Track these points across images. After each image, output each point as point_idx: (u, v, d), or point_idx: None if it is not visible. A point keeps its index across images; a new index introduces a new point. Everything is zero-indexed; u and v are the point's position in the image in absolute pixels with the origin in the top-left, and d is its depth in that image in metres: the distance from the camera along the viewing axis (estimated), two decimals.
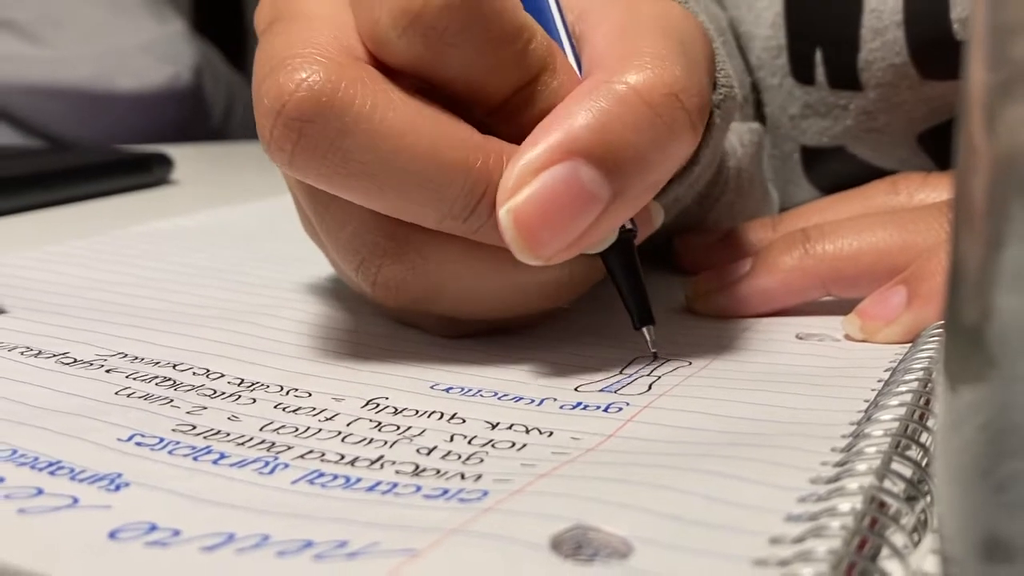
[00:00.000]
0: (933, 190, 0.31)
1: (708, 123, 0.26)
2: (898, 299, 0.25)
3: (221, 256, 0.36)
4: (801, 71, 0.37)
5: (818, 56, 0.36)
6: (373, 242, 0.23)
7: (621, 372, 0.24)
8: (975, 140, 0.12)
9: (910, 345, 0.23)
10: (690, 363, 0.24)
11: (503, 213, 0.21)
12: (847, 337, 0.26)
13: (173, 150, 0.57)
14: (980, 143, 0.12)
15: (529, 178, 0.21)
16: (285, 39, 0.22)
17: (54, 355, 0.24)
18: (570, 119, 0.21)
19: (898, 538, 0.15)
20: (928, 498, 0.16)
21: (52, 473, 0.17)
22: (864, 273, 0.27)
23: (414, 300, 0.24)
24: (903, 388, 0.20)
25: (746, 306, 0.28)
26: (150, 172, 0.52)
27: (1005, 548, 0.12)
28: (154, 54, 0.84)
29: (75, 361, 0.23)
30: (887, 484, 0.16)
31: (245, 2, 1.22)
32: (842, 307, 0.27)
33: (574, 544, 0.15)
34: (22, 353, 0.24)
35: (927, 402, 0.19)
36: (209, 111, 0.91)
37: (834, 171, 0.38)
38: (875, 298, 0.26)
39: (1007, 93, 0.12)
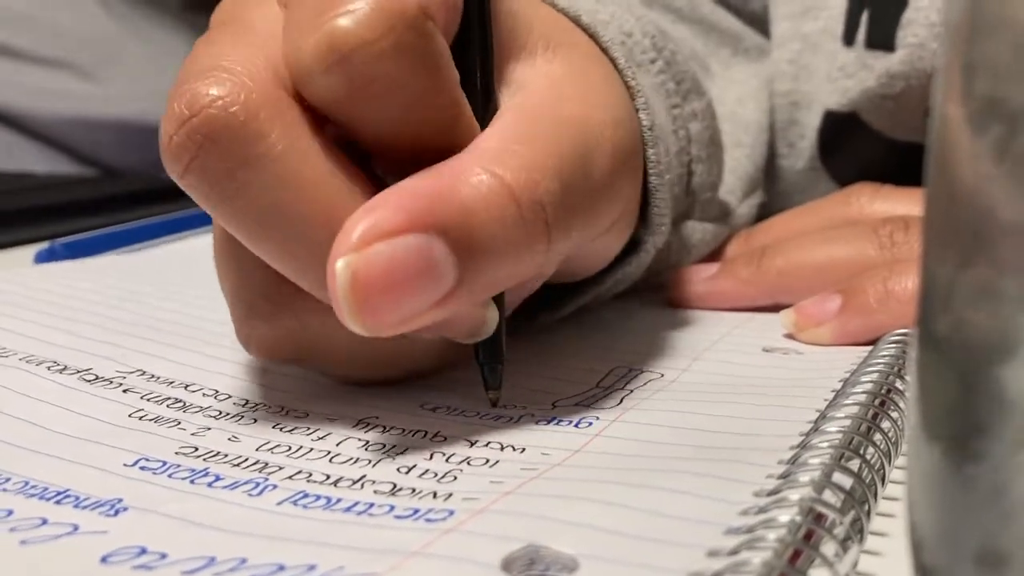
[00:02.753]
0: (884, 201, 0.32)
1: (634, 242, 0.26)
2: (832, 305, 0.27)
3: None
4: (847, 31, 0.37)
5: (864, 16, 0.36)
6: (250, 301, 0.22)
7: (597, 385, 0.24)
8: (943, 167, 0.13)
9: (864, 357, 0.24)
10: (662, 375, 0.24)
11: (340, 265, 0.18)
12: (784, 331, 0.28)
13: None
14: (947, 170, 0.12)
15: (381, 237, 0.18)
16: (218, 48, 0.20)
17: (78, 371, 0.24)
18: (439, 191, 0.19)
19: (829, 547, 0.15)
20: (865, 507, 0.17)
21: (58, 502, 0.17)
22: (805, 286, 0.29)
23: (290, 360, 0.23)
24: (850, 400, 0.20)
25: (708, 301, 0.31)
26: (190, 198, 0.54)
27: (998, 555, 0.12)
28: None
29: (96, 379, 0.24)
30: (826, 495, 0.17)
31: None
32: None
33: (527, 561, 0.15)
34: (48, 368, 0.25)
35: (875, 416, 0.20)
36: None
37: (851, 150, 0.38)
38: (815, 300, 0.27)
39: (972, 126, 0.12)
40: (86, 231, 0.41)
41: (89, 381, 0.24)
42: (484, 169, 0.19)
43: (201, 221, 0.47)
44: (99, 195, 0.50)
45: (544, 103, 0.22)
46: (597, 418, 0.22)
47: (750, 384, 0.23)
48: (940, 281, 0.12)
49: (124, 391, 0.23)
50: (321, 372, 0.24)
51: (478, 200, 0.19)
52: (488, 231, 0.19)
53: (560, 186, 0.20)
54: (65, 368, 0.25)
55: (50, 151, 0.85)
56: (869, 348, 0.25)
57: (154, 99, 0.87)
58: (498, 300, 0.21)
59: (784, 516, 0.16)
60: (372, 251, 0.18)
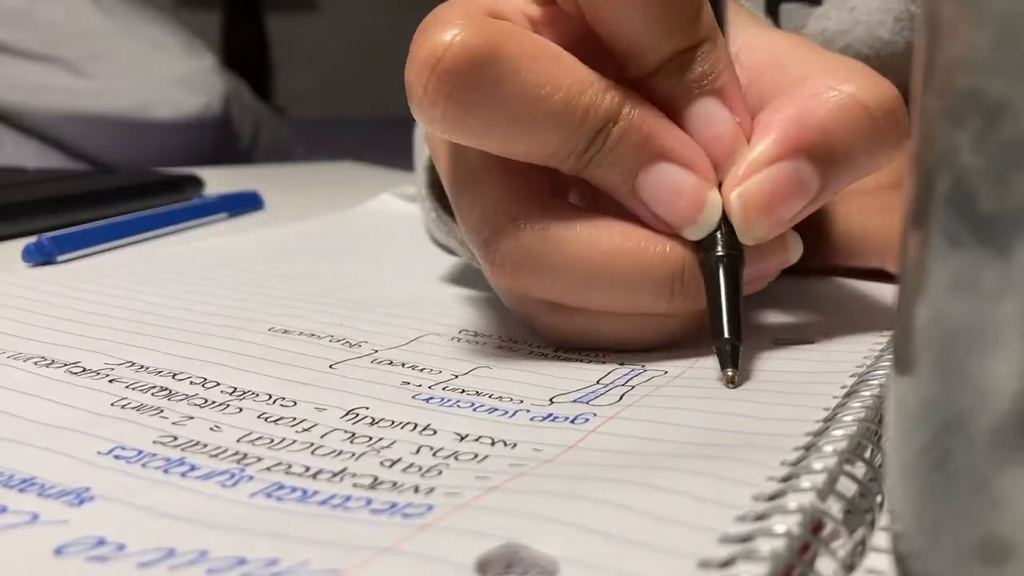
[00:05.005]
0: None
1: None
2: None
3: (245, 271, 0.37)
4: None
5: None
6: (495, 222, 0.23)
7: (598, 383, 0.23)
8: (922, 158, 0.13)
9: (877, 352, 0.22)
10: (666, 372, 0.23)
11: (734, 197, 0.23)
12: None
13: (204, 172, 0.59)
14: (926, 161, 0.12)
15: (759, 168, 0.23)
16: (442, 7, 0.22)
17: (64, 364, 0.24)
18: (797, 119, 0.23)
19: (827, 562, 0.14)
20: (868, 516, 0.16)
21: (22, 490, 0.16)
22: None
23: (531, 281, 0.24)
24: (859, 402, 0.19)
25: None
26: (182, 192, 0.54)
27: (1001, 547, 0.12)
28: (188, 86, 0.90)
29: (83, 370, 0.23)
30: (828, 504, 0.15)
31: (269, 39, 1.27)
32: (822, 312, 0.26)
33: (504, 564, 0.14)
34: (35, 364, 0.24)
35: (883, 418, 0.19)
36: (237, 137, 0.97)
37: None
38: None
39: (950, 118, 0.12)
40: (76, 225, 0.41)
41: (76, 373, 0.23)
42: (822, 89, 0.23)
43: (194, 215, 0.47)
44: (89, 190, 0.50)
45: (780, 36, 0.25)
46: (594, 414, 0.21)
47: (758, 380, 0.22)
48: (919, 271, 0.12)
49: (110, 381, 0.23)
50: (557, 302, 0.24)
51: (834, 120, 0.23)
52: (846, 144, 0.23)
53: (892, 88, 0.23)
54: (52, 362, 0.24)
55: (41, 146, 0.86)
56: (884, 342, 0.24)
57: (145, 94, 0.88)
58: (734, 280, 0.23)
59: (781, 526, 0.15)
60: (755, 181, 0.23)
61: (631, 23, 0.23)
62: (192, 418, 0.20)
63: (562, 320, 0.25)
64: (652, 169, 0.23)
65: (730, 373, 0.22)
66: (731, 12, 0.26)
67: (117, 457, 0.18)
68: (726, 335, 0.22)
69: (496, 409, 0.21)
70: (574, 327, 0.25)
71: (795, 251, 0.25)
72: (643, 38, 0.23)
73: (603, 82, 0.22)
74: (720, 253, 0.23)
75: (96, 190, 0.50)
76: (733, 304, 0.23)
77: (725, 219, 0.23)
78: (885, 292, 0.31)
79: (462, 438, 0.20)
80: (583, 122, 0.22)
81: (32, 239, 0.38)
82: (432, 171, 0.33)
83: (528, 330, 0.27)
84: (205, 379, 0.23)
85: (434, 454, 0.19)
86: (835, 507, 0.15)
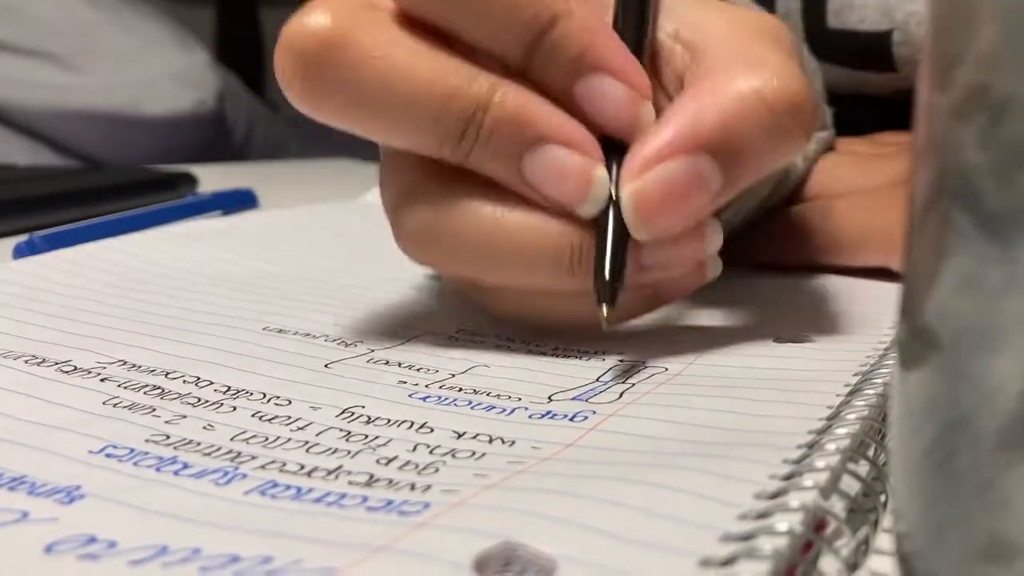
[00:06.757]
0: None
1: None
2: None
3: (239, 263, 0.37)
4: None
5: None
6: (399, 196, 0.24)
7: (597, 380, 0.23)
8: (927, 155, 0.13)
9: (881, 350, 0.22)
10: (666, 369, 0.23)
11: (625, 194, 0.22)
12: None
13: (198, 169, 0.59)
14: (931, 158, 0.12)
15: (653, 164, 0.22)
16: None
17: (56, 363, 0.24)
18: (698, 114, 0.22)
19: (830, 561, 0.14)
20: (872, 515, 0.16)
21: (12, 488, 0.16)
22: None
23: (435, 254, 0.24)
24: (863, 400, 0.19)
25: None
26: (176, 190, 0.54)
27: (1007, 547, 0.12)
28: (180, 82, 0.89)
29: (75, 369, 0.23)
30: (831, 502, 0.15)
31: (263, 34, 1.26)
32: (824, 311, 0.26)
33: (502, 561, 0.14)
34: (26, 362, 0.24)
35: (887, 416, 0.18)
36: (231, 133, 0.96)
37: None
38: None
39: (956, 114, 0.12)
40: (67, 223, 0.41)
41: (67, 372, 0.23)
42: (726, 83, 0.22)
43: (187, 213, 0.47)
44: (81, 187, 0.50)
45: (725, 17, 0.25)
46: (594, 412, 0.21)
47: (760, 377, 0.22)
48: (924, 269, 0.12)
49: (102, 380, 0.23)
50: (471, 281, 0.25)
51: (734, 116, 0.22)
52: (748, 140, 0.22)
53: (801, 84, 0.23)
54: (43, 361, 0.24)
55: (32, 142, 0.85)
56: (887, 340, 0.24)
57: (137, 90, 0.88)
58: (620, 223, 0.23)
59: (783, 524, 0.15)
60: (649, 177, 0.22)
61: (470, 31, 0.23)
62: (185, 417, 0.20)
63: (487, 299, 0.26)
64: (535, 153, 0.23)
65: (605, 311, 0.22)
66: None
67: (109, 456, 0.18)
68: (606, 277, 0.23)
69: (494, 407, 0.21)
70: (504, 307, 0.26)
71: (712, 240, 0.24)
72: (492, 42, 0.23)
73: (469, 71, 0.22)
74: (613, 199, 0.23)
75: (88, 187, 0.50)
76: (617, 246, 0.23)
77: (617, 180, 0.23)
78: (888, 290, 0.31)
79: (459, 436, 0.20)
80: (445, 110, 0.22)
81: (23, 237, 0.37)
82: None
83: (527, 329, 0.27)
84: (198, 378, 0.23)
85: (431, 452, 0.19)
86: (838, 505, 0.15)
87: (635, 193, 0.22)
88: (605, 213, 0.23)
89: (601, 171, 0.23)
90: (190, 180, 0.56)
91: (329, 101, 0.23)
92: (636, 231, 0.23)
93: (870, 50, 0.40)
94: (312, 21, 0.22)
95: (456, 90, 0.22)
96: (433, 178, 0.24)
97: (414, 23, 0.23)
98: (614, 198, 0.23)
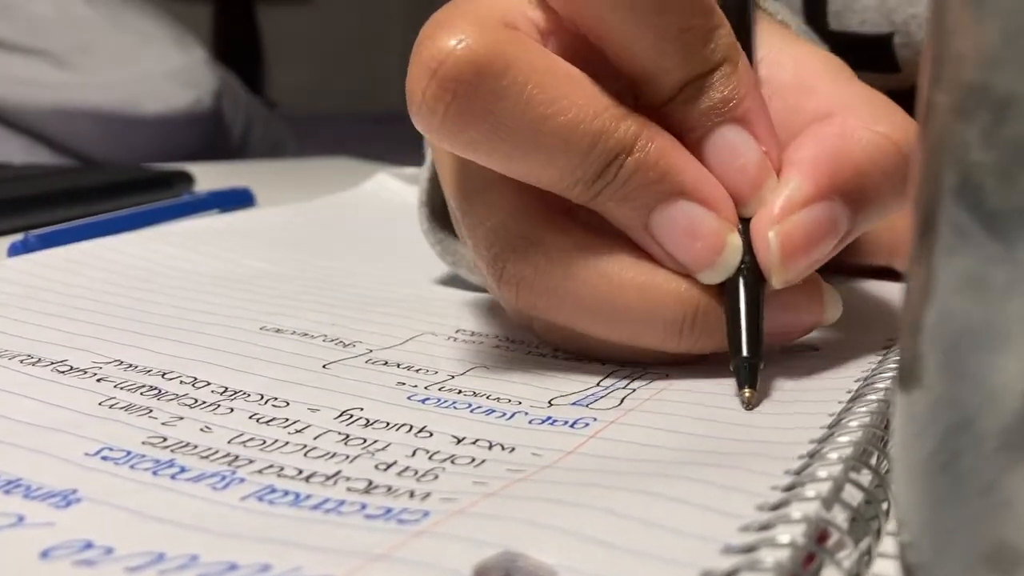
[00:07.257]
0: None
1: None
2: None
3: (236, 262, 0.36)
4: None
5: None
6: (506, 239, 0.23)
7: (597, 385, 0.23)
8: (930, 154, 0.13)
9: (883, 354, 0.22)
10: (667, 376, 0.23)
11: (771, 235, 0.22)
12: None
13: (195, 168, 0.59)
14: (934, 157, 0.12)
15: (796, 208, 0.22)
16: (451, 7, 0.22)
17: (52, 363, 0.24)
18: (834, 158, 0.22)
19: (833, 572, 0.14)
20: (874, 524, 0.16)
21: (7, 492, 0.16)
22: None
23: (537, 303, 0.23)
24: (865, 407, 0.19)
25: None
26: (172, 189, 0.54)
27: (1011, 554, 0.12)
28: (178, 80, 0.89)
29: (71, 369, 0.23)
30: (833, 513, 0.15)
31: (261, 32, 1.26)
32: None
33: (501, 571, 0.14)
34: (21, 362, 0.24)
35: (890, 424, 0.18)
36: (228, 132, 0.96)
37: None
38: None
39: (958, 113, 0.12)
40: (63, 222, 0.41)
41: (63, 372, 0.23)
42: (858, 128, 0.23)
43: (184, 212, 0.47)
44: (77, 186, 0.50)
45: (812, 52, 0.25)
46: (595, 419, 0.21)
47: (761, 386, 0.22)
48: (926, 269, 0.12)
49: (98, 380, 0.23)
50: (564, 327, 0.24)
51: (869, 161, 0.22)
52: (878, 184, 0.23)
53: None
54: (39, 360, 0.24)
55: (27, 141, 0.85)
56: (891, 344, 0.24)
57: (134, 88, 0.88)
58: (755, 296, 0.22)
59: (785, 536, 0.14)
60: (795, 219, 0.22)
61: (636, 47, 0.22)
62: (182, 418, 0.20)
63: (561, 339, 0.25)
64: (668, 207, 0.22)
65: (747, 394, 0.21)
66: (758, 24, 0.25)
67: (105, 458, 0.18)
68: (744, 353, 0.22)
69: (494, 411, 0.21)
70: (573, 347, 0.25)
71: (832, 311, 0.24)
72: (652, 63, 0.22)
73: (619, 109, 0.21)
74: (742, 266, 0.22)
75: (84, 186, 0.49)
76: (753, 321, 0.22)
77: (747, 248, 0.22)
78: (892, 291, 0.31)
79: (459, 441, 0.19)
80: (592, 149, 0.21)
81: (18, 236, 0.37)
82: (433, 182, 0.32)
83: (527, 331, 0.26)
84: (195, 378, 0.23)
85: (430, 457, 0.19)
86: (840, 516, 0.15)
87: (781, 235, 0.22)
88: (732, 282, 0.22)
89: (736, 237, 0.22)
90: (187, 179, 0.56)
91: (473, 130, 0.21)
92: (775, 274, 0.22)
93: (872, 52, 0.40)
94: (460, 44, 0.20)
95: (605, 130, 0.21)
96: (542, 224, 0.23)
97: (558, 44, 0.22)
98: (744, 266, 0.22)
